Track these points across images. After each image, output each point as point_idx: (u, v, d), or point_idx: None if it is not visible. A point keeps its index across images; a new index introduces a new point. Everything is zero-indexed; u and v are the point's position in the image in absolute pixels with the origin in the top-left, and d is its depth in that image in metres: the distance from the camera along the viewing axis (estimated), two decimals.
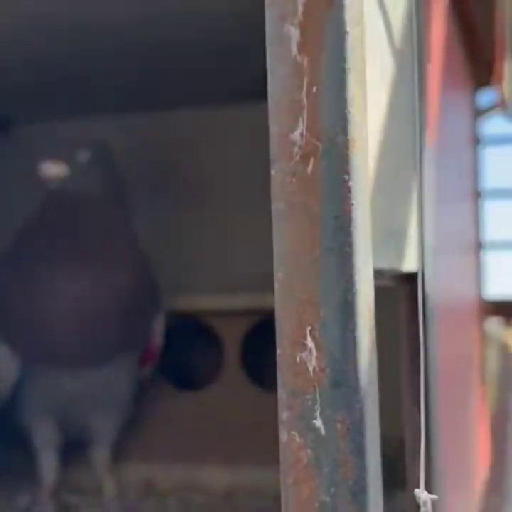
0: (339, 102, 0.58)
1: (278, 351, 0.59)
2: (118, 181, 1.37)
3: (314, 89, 0.58)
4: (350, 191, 0.58)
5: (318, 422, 0.57)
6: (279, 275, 0.59)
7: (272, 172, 0.59)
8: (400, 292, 0.98)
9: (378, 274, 0.81)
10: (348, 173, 0.58)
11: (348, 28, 0.58)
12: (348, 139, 0.58)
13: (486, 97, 2.21)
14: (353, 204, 0.58)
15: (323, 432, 0.56)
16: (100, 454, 1.43)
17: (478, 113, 2.10)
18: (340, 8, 0.58)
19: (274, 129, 0.59)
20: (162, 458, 1.68)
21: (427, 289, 0.95)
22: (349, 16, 0.58)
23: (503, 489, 1.34)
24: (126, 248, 1.34)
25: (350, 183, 0.58)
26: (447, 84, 1.30)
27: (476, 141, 2.05)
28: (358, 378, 0.57)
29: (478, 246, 2.03)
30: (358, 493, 0.56)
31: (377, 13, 0.77)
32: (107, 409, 1.36)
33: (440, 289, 1.12)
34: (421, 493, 0.50)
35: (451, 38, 1.45)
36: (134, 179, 1.57)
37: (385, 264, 0.84)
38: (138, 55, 1.45)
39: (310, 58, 0.58)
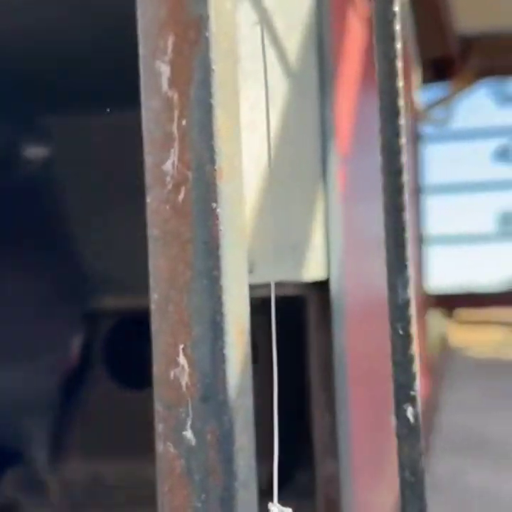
0: (207, 135, 0.61)
1: (154, 368, 0.62)
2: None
3: (184, 122, 0.61)
4: (218, 218, 0.61)
5: (189, 434, 0.60)
6: (154, 296, 0.62)
7: (148, 200, 0.63)
8: (309, 300, 1.02)
9: (280, 285, 0.85)
10: (216, 201, 0.61)
11: (214, 66, 0.61)
12: (215, 169, 0.61)
13: (430, 94, 2.26)
14: (221, 230, 0.61)
15: (193, 442, 0.60)
16: (40, 453, 1.45)
17: (420, 111, 2.15)
18: (206, 45, 0.61)
19: (148, 159, 0.62)
20: (108, 453, 1.70)
21: (335, 295, 0.99)
22: (216, 52, 0.62)
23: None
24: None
25: (219, 210, 0.61)
26: (370, 88, 1.34)
27: (417, 138, 2.09)
28: (226, 392, 0.61)
29: (420, 241, 2.08)
30: (227, 499, 0.60)
31: (272, 36, 0.81)
32: (33, 409, 1.37)
33: (356, 292, 1.17)
34: (273, 507, 0.52)
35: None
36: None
37: (286, 276, 0.88)
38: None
39: (180, 93, 0.61)
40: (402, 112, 0.58)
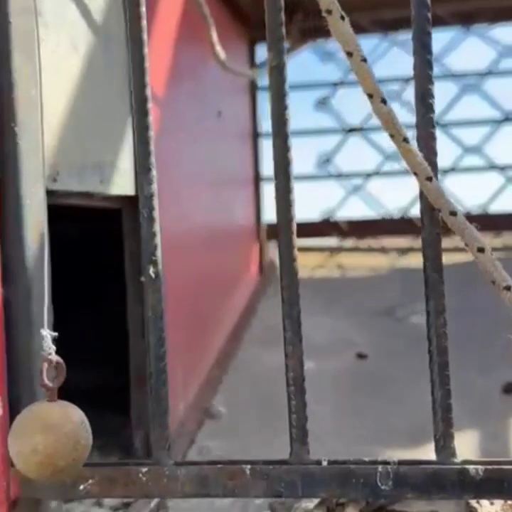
0: (6, 73, 0.81)
1: None
2: None
3: None
4: (16, 134, 0.81)
5: None
6: None
7: None
8: (123, 212, 1.24)
9: (102, 199, 1.07)
10: (14, 122, 0.81)
11: (11, 19, 0.80)
12: (12, 97, 0.81)
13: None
14: (18, 143, 0.81)
15: None
16: None
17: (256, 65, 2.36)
18: (5, 3, 0.80)
19: None
20: None
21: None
22: (13, 7, 0.81)
23: None
24: None
25: (16, 128, 0.81)
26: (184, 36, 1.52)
27: (253, 88, 2.32)
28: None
29: (256, 180, 2.32)
30: None
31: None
32: None
33: (169, 210, 1.38)
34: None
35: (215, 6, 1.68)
36: None
37: (93, 189, 1.09)
38: None
39: None
40: (144, 58, 0.80)
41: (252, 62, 2.37)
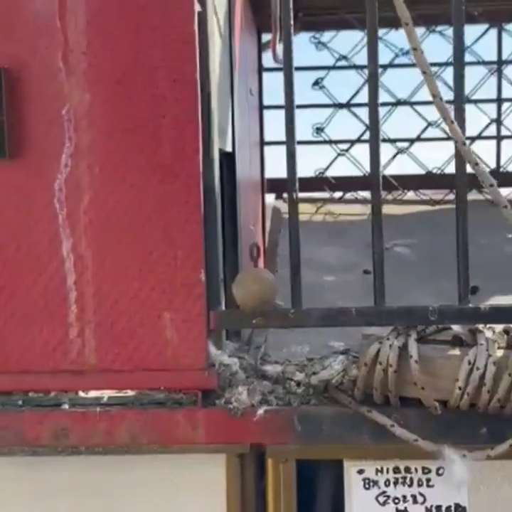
0: None
1: None
2: None
3: None
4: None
5: None
6: None
7: None
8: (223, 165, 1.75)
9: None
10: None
11: None
12: None
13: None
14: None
15: None
16: None
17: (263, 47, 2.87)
18: None
19: None
20: None
21: (237, 162, 1.73)
22: None
23: None
24: None
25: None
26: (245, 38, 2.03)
27: (260, 68, 2.83)
28: None
29: (262, 143, 2.85)
30: None
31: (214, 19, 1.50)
32: None
33: (243, 165, 1.90)
34: None
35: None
36: None
37: (222, 146, 1.59)
38: None
39: None
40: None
41: (259, 47, 2.87)
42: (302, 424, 1.31)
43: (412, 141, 2.87)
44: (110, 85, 1.28)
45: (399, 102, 2.86)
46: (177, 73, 1.27)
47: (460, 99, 1.31)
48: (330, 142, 2.87)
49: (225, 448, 1.39)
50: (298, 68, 3.08)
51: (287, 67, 1.34)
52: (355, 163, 2.83)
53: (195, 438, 1.31)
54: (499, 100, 2.84)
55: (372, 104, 1.32)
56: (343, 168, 2.89)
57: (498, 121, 2.83)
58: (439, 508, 1.43)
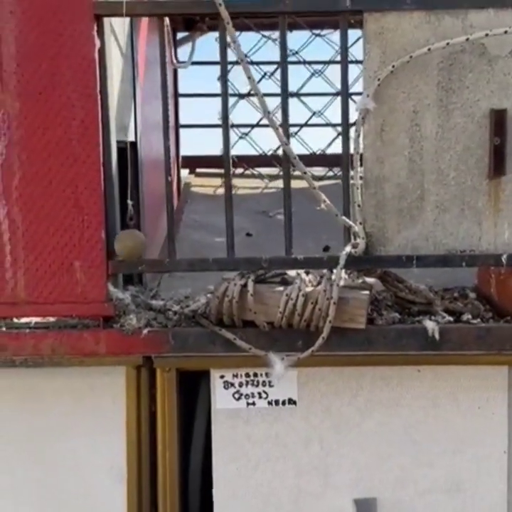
0: None
1: None
2: None
3: None
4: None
5: None
6: None
7: None
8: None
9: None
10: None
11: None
12: None
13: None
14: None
15: None
16: None
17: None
18: None
19: None
20: None
21: (139, 150, 2.18)
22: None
23: None
24: None
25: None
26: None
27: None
28: None
29: (177, 126, 3.30)
30: None
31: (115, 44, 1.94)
32: None
33: (147, 150, 2.36)
34: None
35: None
36: None
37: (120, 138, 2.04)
38: None
39: None
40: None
41: (175, 45, 3.30)
42: (174, 339, 1.80)
43: (300, 126, 3.39)
44: (34, 96, 1.72)
45: (290, 94, 3.34)
46: (83, 88, 1.72)
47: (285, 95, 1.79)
48: (232, 126, 3.34)
49: (123, 360, 1.88)
50: (207, 63, 3.54)
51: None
52: (253, 144, 3.33)
53: (98, 350, 1.80)
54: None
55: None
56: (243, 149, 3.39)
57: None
58: (277, 401, 1.95)
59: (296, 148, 3.42)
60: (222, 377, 1.94)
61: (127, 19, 2.08)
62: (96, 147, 1.75)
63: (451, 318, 1.83)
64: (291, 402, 1.95)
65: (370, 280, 1.89)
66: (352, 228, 1.78)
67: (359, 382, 1.94)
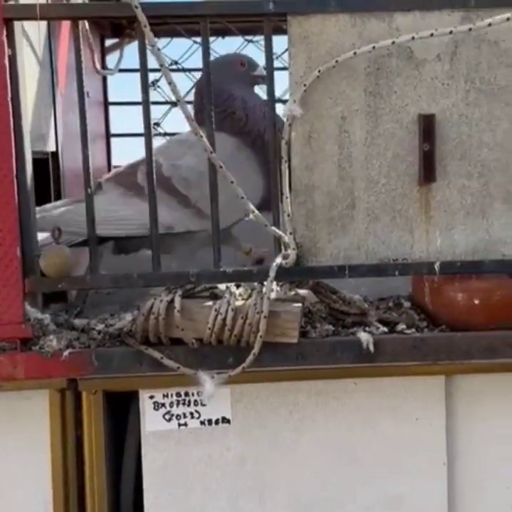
0: None
1: None
2: None
3: None
4: None
5: None
6: None
7: None
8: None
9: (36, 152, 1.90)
10: None
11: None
12: None
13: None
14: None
15: None
16: None
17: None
18: None
19: None
20: None
21: (61, 160, 2.08)
22: None
23: None
24: None
25: None
26: None
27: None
28: None
29: (108, 135, 3.19)
30: None
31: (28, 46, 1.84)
32: None
33: (71, 161, 2.25)
34: None
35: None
36: None
37: (38, 148, 1.93)
38: None
39: None
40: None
41: (102, 52, 3.20)
42: (98, 360, 1.70)
43: None
44: None
45: None
46: None
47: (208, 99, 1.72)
48: (165, 135, 3.26)
49: (45, 383, 1.76)
50: (136, 70, 3.43)
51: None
52: None
53: (16, 374, 1.68)
54: None
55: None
56: None
57: None
58: (210, 421, 1.86)
59: None
60: (151, 397, 1.84)
61: (44, 23, 1.98)
62: (8, 158, 1.63)
63: (385, 329, 1.78)
64: (225, 420, 1.86)
65: (303, 292, 1.82)
66: (282, 239, 1.71)
67: (295, 398, 1.87)
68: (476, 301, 1.74)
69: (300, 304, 1.73)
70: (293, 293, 1.81)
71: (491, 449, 1.93)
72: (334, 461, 1.89)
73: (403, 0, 1.65)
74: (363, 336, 1.72)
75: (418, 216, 1.72)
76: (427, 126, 1.66)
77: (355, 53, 1.62)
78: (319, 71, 1.63)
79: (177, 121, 3.31)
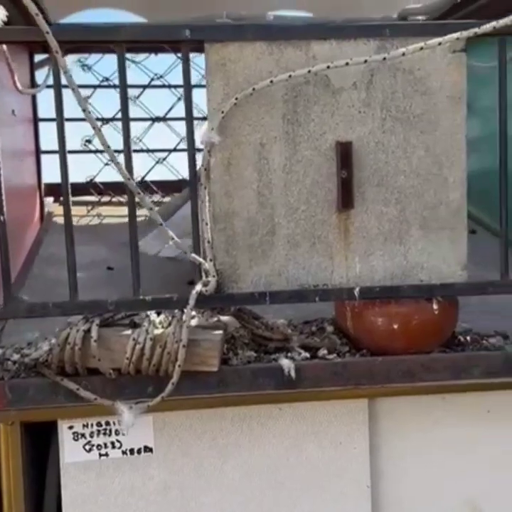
0: None
1: None
2: None
3: None
4: None
5: None
6: None
7: None
8: None
9: None
10: None
11: None
12: None
13: None
14: None
15: None
16: None
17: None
18: None
19: None
20: None
21: None
22: None
23: None
24: None
25: None
26: None
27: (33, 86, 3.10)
28: None
29: (37, 153, 3.13)
30: None
31: None
32: None
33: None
34: None
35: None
36: None
37: None
38: None
39: None
40: None
41: (31, 68, 3.14)
42: (12, 392, 1.65)
43: (169, 151, 3.29)
44: None
45: (156, 119, 3.26)
46: None
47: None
48: (96, 152, 3.21)
49: None
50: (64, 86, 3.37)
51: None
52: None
53: None
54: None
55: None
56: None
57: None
58: (132, 450, 1.83)
59: (166, 174, 3.34)
60: (70, 428, 1.80)
61: None
62: None
63: (307, 355, 1.78)
64: (148, 449, 1.83)
65: (225, 318, 1.81)
66: (202, 266, 1.70)
67: (219, 424, 1.85)
68: (395, 326, 1.76)
69: (221, 332, 1.72)
70: (215, 319, 1.80)
71: (413, 468, 1.95)
72: (259, 486, 1.88)
73: (319, 29, 1.66)
74: (285, 363, 1.72)
75: (337, 242, 1.72)
76: (345, 154, 1.67)
77: (271, 81, 1.62)
78: (236, 98, 1.63)
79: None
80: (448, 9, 2.69)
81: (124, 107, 1.68)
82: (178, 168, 3.26)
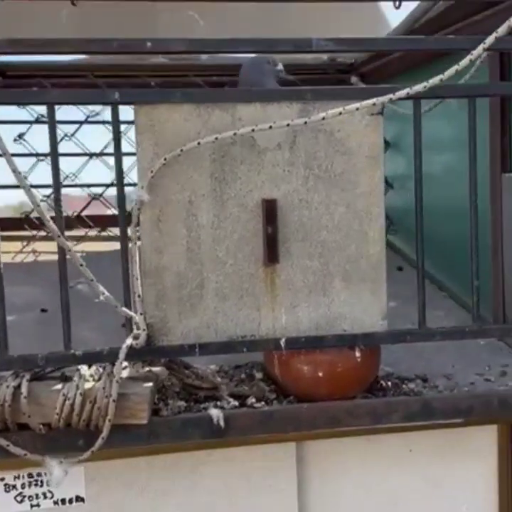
0: None
1: None
2: None
3: None
4: None
5: None
6: None
7: None
8: None
9: None
10: None
11: None
12: None
13: None
14: None
15: None
16: None
17: None
18: None
19: None
20: None
21: None
22: None
23: None
24: None
25: None
26: None
27: None
28: None
29: None
30: None
31: None
32: None
33: None
34: None
35: None
36: None
37: None
38: None
39: None
40: None
41: None
42: None
43: (107, 186, 3.32)
44: None
45: (93, 154, 3.28)
46: None
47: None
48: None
49: None
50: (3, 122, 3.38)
51: None
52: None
53: None
54: None
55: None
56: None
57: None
58: (63, 500, 1.85)
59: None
60: (2, 480, 1.81)
61: None
62: None
63: (236, 403, 1.84)
64: (79, 499, 1.85)
65: (156, 369, 1.85)
66: (133, 319, 1.74)
67: (150, 472, 1.89)
68: (320, 374, 1.83)
69: (151, 384, 1.76)
70: (146, 370, 1.84)
71: (342, 508, 2.02)
72: None
73: (245, 93, 1.73)
74: (214, 412, 1.77)
75: (264, 295, 1.79)
76: (270, 210, 1.74)
77: (199, 143, 1.68)
78: (165, 159, 1.68)
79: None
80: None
81: (54, 149, 1.71)
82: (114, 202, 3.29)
